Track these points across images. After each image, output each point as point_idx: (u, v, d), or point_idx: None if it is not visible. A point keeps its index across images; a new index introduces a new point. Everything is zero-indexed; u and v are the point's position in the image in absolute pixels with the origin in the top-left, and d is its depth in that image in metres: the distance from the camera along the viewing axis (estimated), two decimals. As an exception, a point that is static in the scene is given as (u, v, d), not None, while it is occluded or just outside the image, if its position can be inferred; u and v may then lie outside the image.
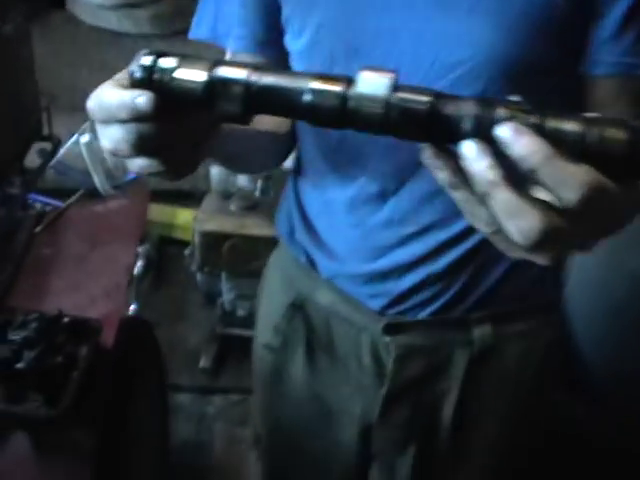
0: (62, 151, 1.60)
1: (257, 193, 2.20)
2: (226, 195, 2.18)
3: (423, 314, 0.89)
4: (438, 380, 0.92)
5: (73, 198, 1.53)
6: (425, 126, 0.47)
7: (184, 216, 2.57)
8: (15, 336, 1.02)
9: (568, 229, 0.45)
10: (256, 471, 1.18)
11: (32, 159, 1.57)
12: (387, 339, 0.90)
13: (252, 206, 2.16)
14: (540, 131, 0.44)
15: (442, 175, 0.47)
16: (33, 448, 1.05)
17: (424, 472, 0.99)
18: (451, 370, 0.91)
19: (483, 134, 0.45)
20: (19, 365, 1.00)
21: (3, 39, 1.34)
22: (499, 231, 0.46)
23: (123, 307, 1.27)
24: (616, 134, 0.44)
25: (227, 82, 0.51)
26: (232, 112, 0.51)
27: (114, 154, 0.54)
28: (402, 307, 0.89)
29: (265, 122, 0.78)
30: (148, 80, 0.52)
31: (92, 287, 1.32)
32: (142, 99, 0.51)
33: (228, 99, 0.51)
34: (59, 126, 1.61)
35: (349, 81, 0.49)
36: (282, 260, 1.04)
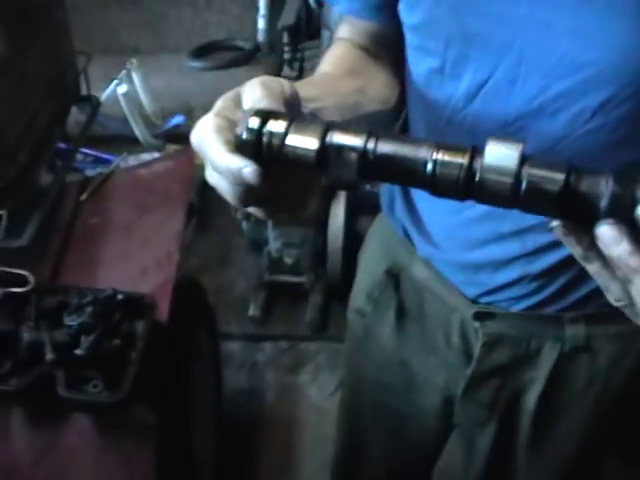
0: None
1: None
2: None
3: (516, 308, 0.87)
4: (525, 369, 0.91)
5: (118, 160, 1.49)
6: (557, 204, 0.44)
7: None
8: (72, 322, 1.01)
9: None
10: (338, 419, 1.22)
11: (72, 119, 1.53)
12: (477, 325, 0.90)
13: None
14: None
15: (574, 250, 0.45)
16: (95, 427, 1.06)
17: (503, 448, 0.99)
18: (539, 362, 0.90)
19: (621, 213, 0.42)
20: (78, 351, 0.99)
21: (37, 2, 1.29)
22: (629, 306, 0.44)
23: (175, 277, 1.24)
24: None
25: (342, 149, 0.49)
26: (346, 180, 0.49)
27: None
28: (495, 298, 0.87)
29: (372, 98, 0.74)
30: (256, 143, 0.50)
31: (143, 257, 1.29)
32: (248, 170, 0.49)
33: (342, 166, 0.49)
34: (93, 70, 1.56)
35: (473, 151, 0.46)
36: (382, 229, 1.03)
